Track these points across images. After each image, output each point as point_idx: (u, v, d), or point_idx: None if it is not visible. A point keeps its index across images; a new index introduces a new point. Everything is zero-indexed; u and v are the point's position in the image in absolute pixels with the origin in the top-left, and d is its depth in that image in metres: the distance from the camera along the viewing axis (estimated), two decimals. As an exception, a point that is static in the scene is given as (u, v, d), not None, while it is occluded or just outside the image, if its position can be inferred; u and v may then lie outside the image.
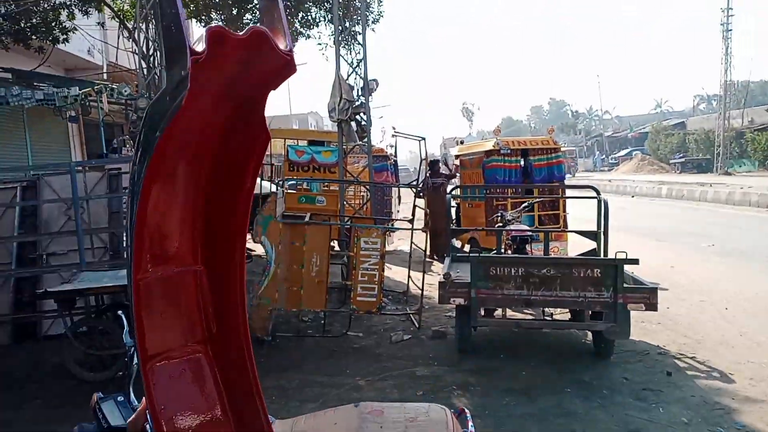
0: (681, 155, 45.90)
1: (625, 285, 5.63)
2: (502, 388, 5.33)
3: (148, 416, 0.75)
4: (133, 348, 2.82)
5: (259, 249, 7.71)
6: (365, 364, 6.10)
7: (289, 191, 8.94)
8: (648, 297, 5.58)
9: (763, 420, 4.66)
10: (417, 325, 7.14)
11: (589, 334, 6.47)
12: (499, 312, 6.68)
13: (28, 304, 6.89)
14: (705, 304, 8.15)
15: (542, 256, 7.17)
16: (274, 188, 8.22)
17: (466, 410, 3.03)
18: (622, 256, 5.59)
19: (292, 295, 6.77)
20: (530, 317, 7.14)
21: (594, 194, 7.40)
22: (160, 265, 0.81)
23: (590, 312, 5.88)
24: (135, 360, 2.60)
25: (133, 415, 0.77)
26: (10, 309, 6.85)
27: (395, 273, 9.79)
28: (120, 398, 2.70)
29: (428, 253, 8.55)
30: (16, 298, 6.94)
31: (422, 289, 7.30)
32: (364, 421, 2.92)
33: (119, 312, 4.35)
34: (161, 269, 0.82)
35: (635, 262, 5.60)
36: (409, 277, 7.65)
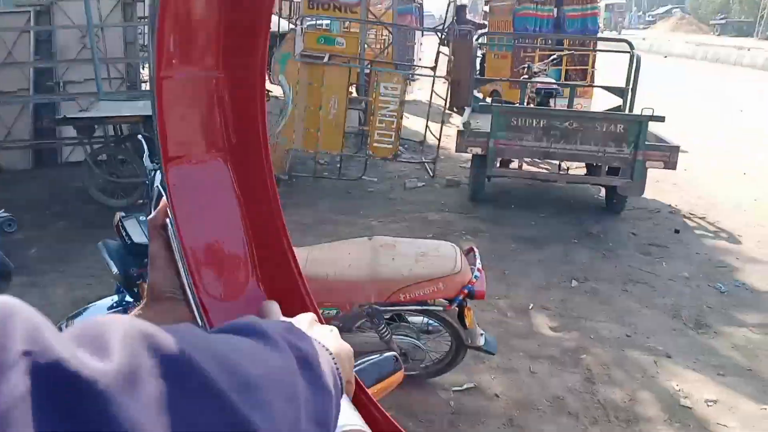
0: (722, 16, 43.20)
1: (646, 143, 5.54)
2: (511, 236, 5.47)
3: (169, 212, 0.74)
4: (153, 171, 2.88)
5: (276, 90, 7.58)
6: (379, 206, 6.23)
7: (307, 30, 8.61)
8: (668, 155, 5.51)
9: (764, 280, 4.79)
10: (431, 174, 7.19)
11: (603, 190, 6.50)
12: (515, 164, 6.68)
13: (47, 131, 6.96)
14: (724, 168, 8.09)
15: (566, 108, 7.02)
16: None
17: (475, 249, 3.12)
18: (648, 113, 5.44)
19: (310, 136, 6.76)
20: (546, 171, 7.15)
21: (627, 49, 7.07)
22: (183, 66, 0.78)
23: (607, 168, 5.86)
24: (156, 183, 2.65)
25: (154, 212, 0.77)
26: (30, 135, 6.93)
27: (413, 123, 9.69)
28: (142, 218, 2.80)
29: (448, 104, 8.40)
30: (35, 124, 7.00)
31: (439, 139, 7.26)
32: (377, 252, 3.03)
33: (139, 136, 4.38)
34: (184, 70, 0.78)
35: (661, 119, 5.47)
36: (426, 126, 7.57)
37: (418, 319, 3.24)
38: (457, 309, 2.95)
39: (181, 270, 0.73)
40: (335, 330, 0.64)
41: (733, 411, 3.23)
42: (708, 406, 3.26)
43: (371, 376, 0.89)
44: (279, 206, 0.85)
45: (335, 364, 0.57)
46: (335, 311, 2.94)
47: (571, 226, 5.77)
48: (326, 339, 0.60)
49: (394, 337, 3.06)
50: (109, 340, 0.37)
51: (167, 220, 0.75)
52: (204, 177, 0.81)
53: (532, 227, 5.72)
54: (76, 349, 0.35)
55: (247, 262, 0.84)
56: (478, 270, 2.90)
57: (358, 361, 0.88)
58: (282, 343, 0.50)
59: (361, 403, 0.80)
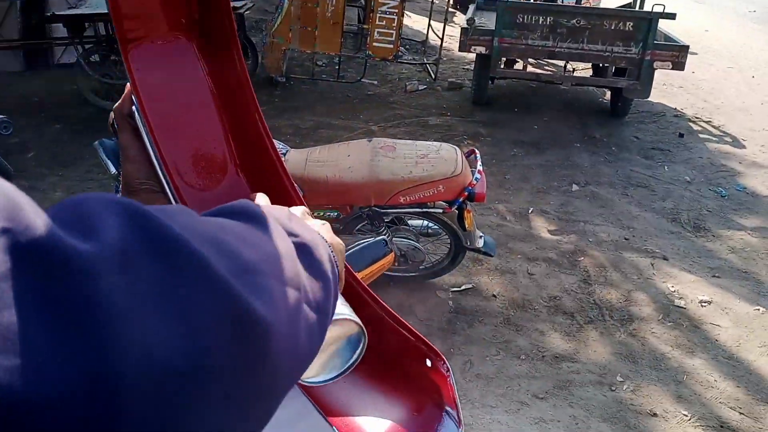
0: None
1: (655, 42, 5.35)
2: (513, 140, 5.40)
3: (134, 99, 0.69)
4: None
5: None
6: (379, 110, 6.11)
7: None
8: (677, 55, 5.33)
9: (765, 184, 4.78)
10: (433, 76, 6.99)
11: (607, 93, 6.35)
12: (519, 64, 6.49)
13: (36, 30, 6.70)
14: (732, 70, 7.87)
15: (573, 5, 6.74)
16: None
17: (476, 151, 3.07)
18: (659, 9, 5.21)
19: (306, 35, 6.50)
20: (550, 72, 6.95)
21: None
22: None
23: (613, 69, 5.70)
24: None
25: (119, 101, 0.71)
26: (19, 33, 6.68)
27: (415, 22, 9.33)
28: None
29: (451, 1, 8.04)
30: (24, 22, 6.72)
31: (441, 39, 6.99)
32: (377, 154, 2.98)
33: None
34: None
35: (672, 16, 5.24)
36: (429, 26, 7.27)
37: (417, 222, 3.24)
38: (456, 211, 2.94)
39: (154, 159, 0.70)
40: (327, 224, 0.61)
41: (726, 311, 3.30)
42: (702, 306, 3.33)
43: (362, 260, 0.88)
44: (252, 92, 0.79)
45: (332, 252, 0.54)
46: (335, 213, 2.94)
47: (574, 130, 5.68)
48: (320, 230, 0.58)
49: (393, 239, 3.07)
50: (95, 220, 0.33)
51: (133, 108, 0.71)
52: (168, 58, 0.75)
53: (534, 131, 5.64)
54: (60, 229, 0.31)
55: (224, 148, 0.79)
56: (479, 172, 2.87)
57: (349, 246, 0.86)
58: (279, 228, 0.47)
59: (350, 286, 0.79)
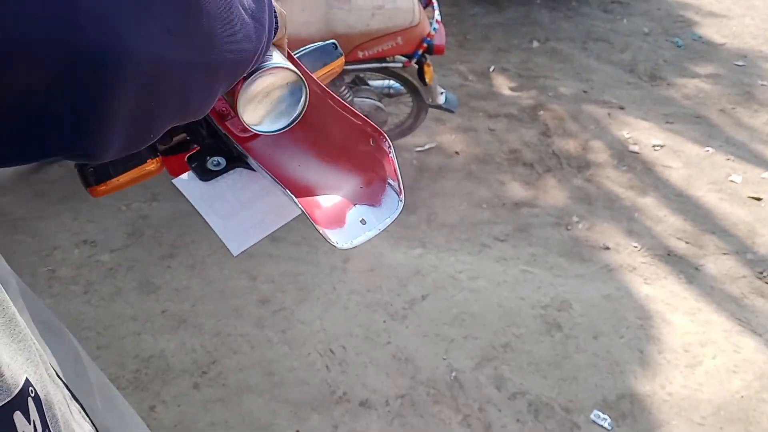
0: None
1: None
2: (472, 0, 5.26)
3: None
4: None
5: None
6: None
7: None
8: None
9: (720, 32, 4.81)
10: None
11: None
12: None
13: None
14: None
15: None
16: None
17: (434, 0, 3.01)
18: None
19: None
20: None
21: None
22: None
23: None
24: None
25: None
26: None
27: None
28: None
29: None
30: None
31: None
32: (331, 8, 2.90)
33: None
34: None
35: None
36: None
37: (379, 83, 3.22)
38: (416, 66, 2.93)
39: None
40: None
41: (678, 154, 3.45)
42: (655, 150, 3.46)
43: (313, 63, 0.91)
44: None
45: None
46: (294, 74, 2.89)
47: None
48: None
49: (355, 99, 3.06)
50: None
51: None
52: None
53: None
54: None
55: None
56: (437, 22, 2.83)
57: (299, 49, 0.89)
58: None
59: (316, 95, 0.83)
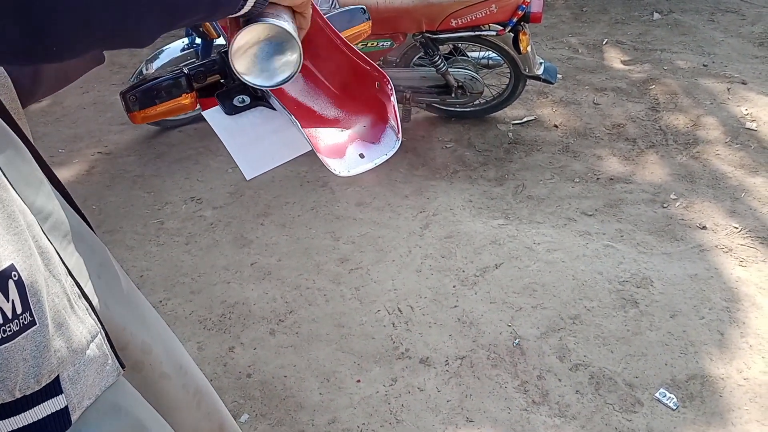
0: None
1: None
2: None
3: None
4: None
5: None
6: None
7: None
8: None
9: None
10: None
11: None
12: None
13: None
14: None
15: None
16: None
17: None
18: None
19: None
20: None
21: None
22: None
23: None
24: None
25: None
26: None
27: None
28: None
29: None
30: None
31: None
32: (428, -22, 2.94)
33: None
34: None
35: None
36: None
37: (476, 54, 3.23)
38: (512, 34, 2.91)
39: None
40: None
41: (803, 133, 3.15)
42: (776, 128, 3.18)
43: (339, 23, 1.00)
44: None
45: None
46: (389, 43, 2.99)
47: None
48: None
49: (450, 69, 3.10)
50: None
51: None
52: None
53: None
54: None
55: None
56: (533, -11, 2.78)
57: (329, 11, 0.98)
58: None
59: (320, 29, 0.92)
